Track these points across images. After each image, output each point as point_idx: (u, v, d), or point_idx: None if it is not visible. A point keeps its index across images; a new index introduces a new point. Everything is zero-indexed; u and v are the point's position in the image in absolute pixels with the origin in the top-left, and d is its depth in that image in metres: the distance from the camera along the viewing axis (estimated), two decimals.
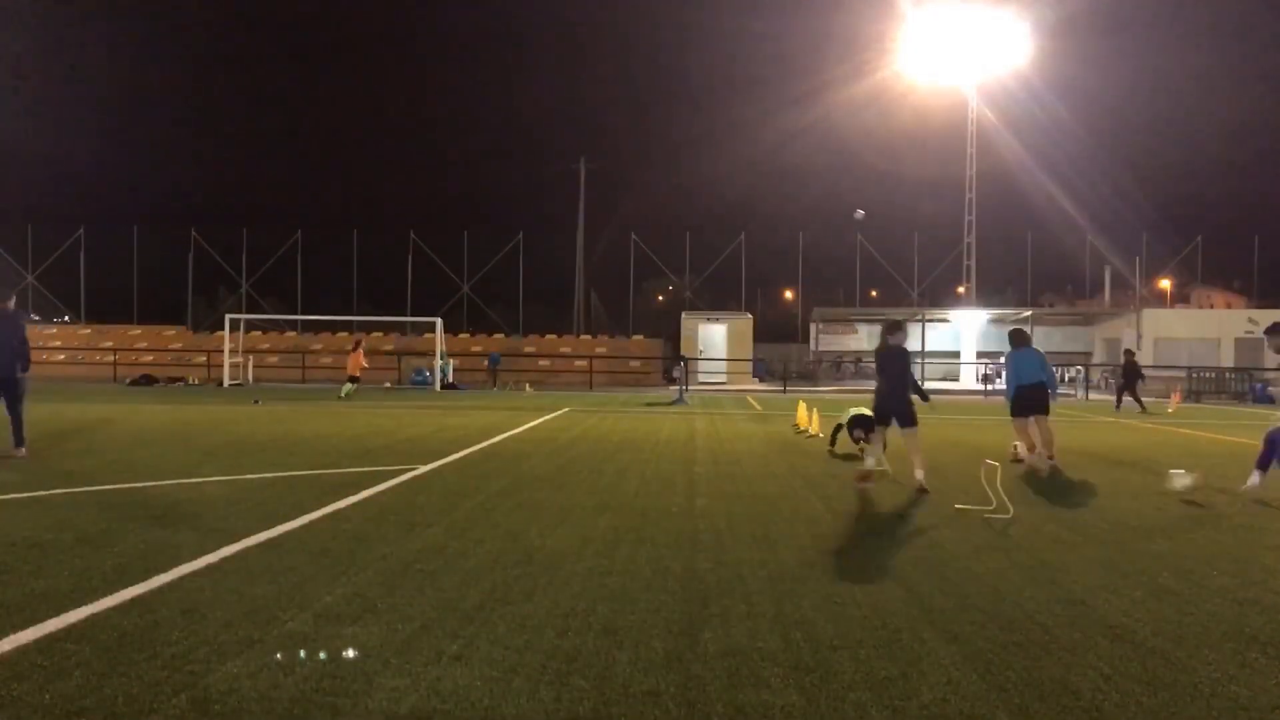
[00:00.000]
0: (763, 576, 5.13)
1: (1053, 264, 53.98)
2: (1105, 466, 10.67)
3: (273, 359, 35.93)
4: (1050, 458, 10.28)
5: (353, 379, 23.14)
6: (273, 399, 22.07)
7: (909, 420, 8.74)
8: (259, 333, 40.11)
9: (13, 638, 3.85)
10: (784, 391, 29.65)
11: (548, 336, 42.21)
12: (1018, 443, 10.91)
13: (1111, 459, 11.49)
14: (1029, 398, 10.54)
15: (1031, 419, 10.49)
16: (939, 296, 48.36)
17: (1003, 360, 9.26)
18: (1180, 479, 8.52)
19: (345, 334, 41.38)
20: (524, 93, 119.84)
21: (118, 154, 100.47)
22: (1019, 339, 10.93)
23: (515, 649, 3.84)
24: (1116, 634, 4.21)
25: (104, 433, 12.83)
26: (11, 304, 10.31)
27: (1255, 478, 8.51)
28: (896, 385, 8.85)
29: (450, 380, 30.54)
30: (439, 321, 32.10)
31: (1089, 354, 40.54)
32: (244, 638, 3.91)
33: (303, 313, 45.12)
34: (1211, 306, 55.36)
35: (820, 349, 42.67)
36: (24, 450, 9.89)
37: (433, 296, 47.01)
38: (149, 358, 36.35)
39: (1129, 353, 24.92)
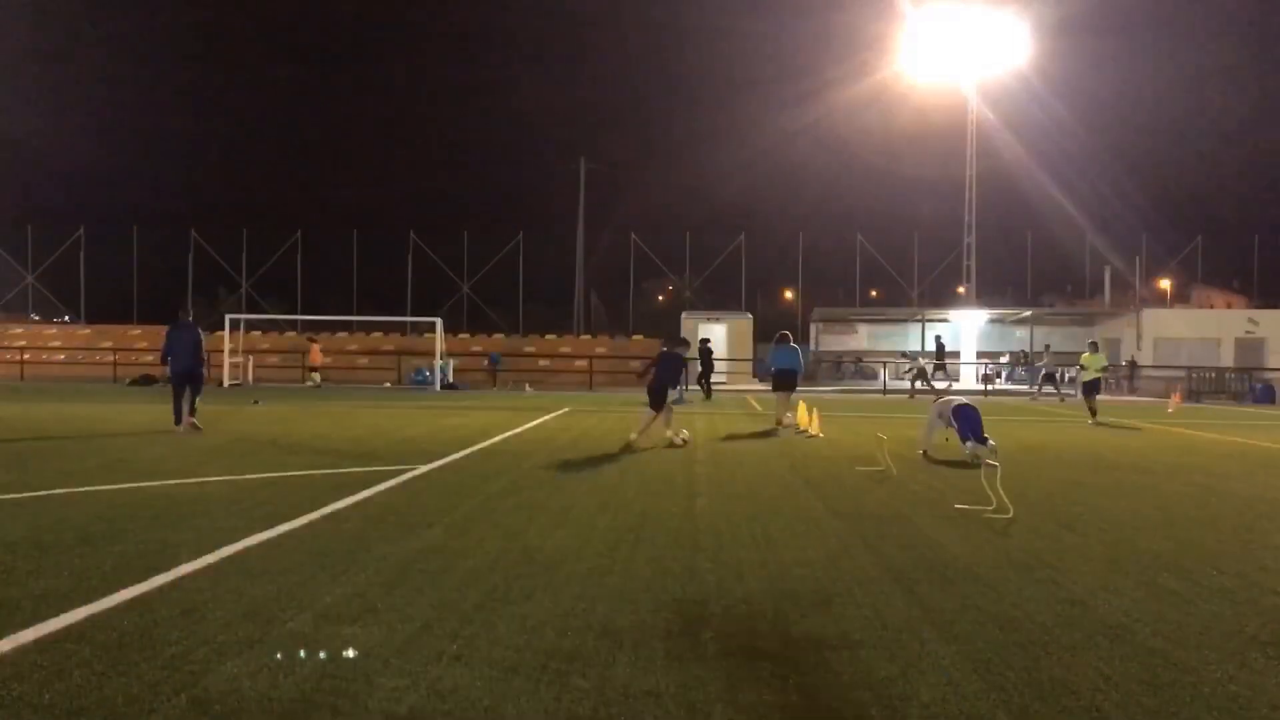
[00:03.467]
0: (763, 576, 5.13)
1: (1053, 264, 54.05)
2: (1105, 467, 10.68)
3: (273, 359, 35.91)
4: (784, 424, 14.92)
5: (313, 368, 28.24)
6: (272, 399, 22.07)
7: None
8: (259, 333, 40.09)
9: (13, 638, 3.85)
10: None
11: (548, 336, 42.20)
12: (788, 414, 15.16)
13: (1111, 459, 11.49)
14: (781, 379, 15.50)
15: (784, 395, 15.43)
16: (939, 296, 48.37)
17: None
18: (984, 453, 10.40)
19: (345, 334, 41.40)
20: (524, 93, 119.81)
21: (118, 154, 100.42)
22: (781, 339, 15.93)
23: (515, 649, 3.84)
24: (1116, 634, 4.21)
25: (104, 432, 12.83)
26: (190, 316, 13.80)
27: (968, 446, 10.60)
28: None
29: (450, 380, 30.56)
30: (439, 321, 32.11)
31: None
32: (244, 638, 3.91)
33: (303, 313, 45.12)
34: (1211, 306, 55.35)
35: (820, 349, 42.65)
36: (182, 428, 12.88)
37: (433, 296, 47.06)
38: (149, 358, 36.22)
39: (704, 341, 27.00)
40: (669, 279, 54.18)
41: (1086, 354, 18.58)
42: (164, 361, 13.31)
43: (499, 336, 42.51)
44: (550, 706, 3.25)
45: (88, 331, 41.80)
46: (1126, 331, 37.73)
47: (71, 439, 11.88)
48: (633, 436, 12.14)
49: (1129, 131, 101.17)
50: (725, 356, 35.45)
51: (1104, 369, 18.90)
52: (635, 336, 42.75)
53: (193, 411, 13.06)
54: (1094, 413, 17.76)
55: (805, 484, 8.81)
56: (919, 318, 39.85)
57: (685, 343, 13.52)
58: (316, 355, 29.68)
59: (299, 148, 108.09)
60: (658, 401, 12.42)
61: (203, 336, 13.50)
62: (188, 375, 13.08)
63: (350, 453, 10.73)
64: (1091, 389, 18.23)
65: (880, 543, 6.12)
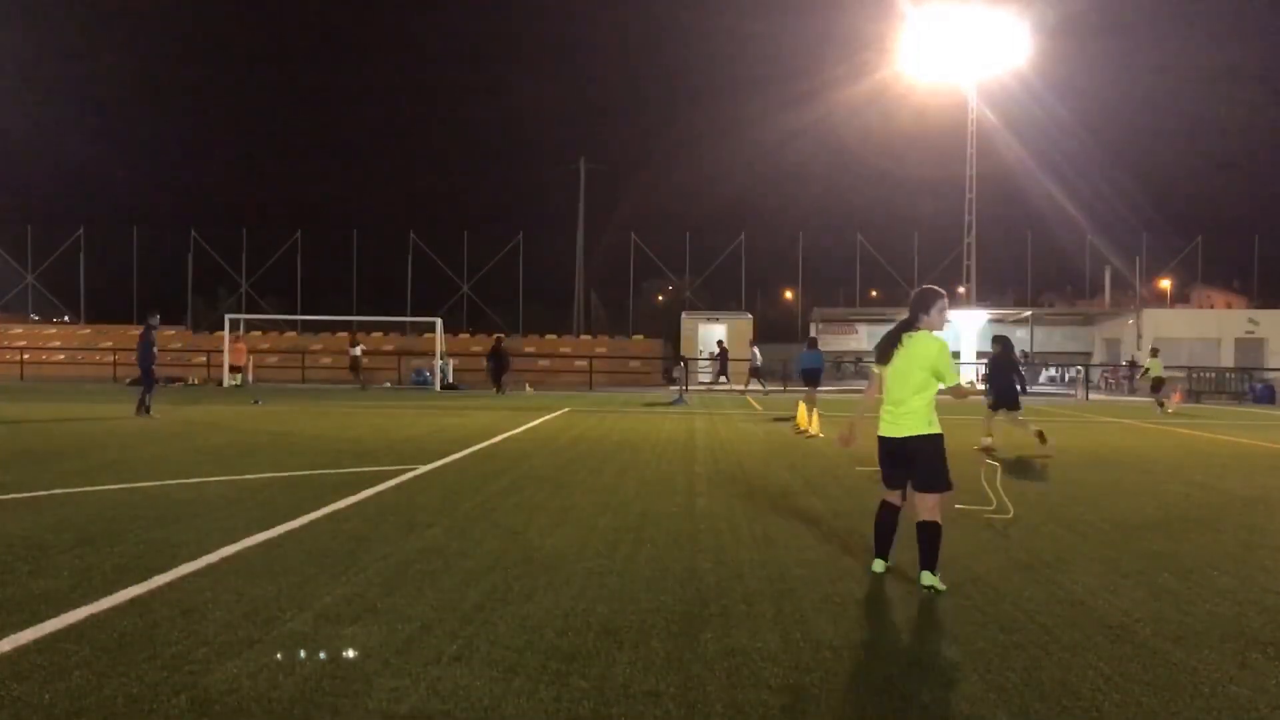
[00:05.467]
0: (763, 576, 5.13)
1: (1053, 264, 54.03)
2: (1105, 467, 10.68)
3: (273, 359, 35.90)
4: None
5: (235, 369, 26.90)
6: (272, 399, 22.07)
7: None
8: (259, 333, 40.08)
9: (13, 638, 3.85)
10: (784, 391, 29.64)
11: (548, 336, 42.18)
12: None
13: (1111, 459, 11.49)
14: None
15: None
16: None
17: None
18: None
19: (345, 334, 41.40)
20: (524, 93, 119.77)
21: (118, 154, 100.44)
22: (811, 344, 18.99)
23: (515, 649, 3.84)
24: (1116, 634, 4.21)
25: (104, 432, 12.83)
26: (156, 320, 16.59)
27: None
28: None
29: (450, 380, 30.55)
30: (439, 321, 32.11)
31: (1089, 354, 40.54)
32: (244, 638, 3.91)
33: (303, 313, 45.10)
34: (1211, 306, 55.32)
35: (820, 349, 42.61)
36: (151, 416, 15.22)
37: (433, 296, 47.01)
38: None
39: (499, 338, 29.76)
40: (669, 279, 54.14)
41: (1149, 359, 22.91)
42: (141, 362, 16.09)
43: (499, 336, 42.46)
44: (550, 706, 3.25)
45: (88, 331, 41.77)
46: (1126, 331, 37.72)
47: (71, 439, 11.87)
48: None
49: (1129, 131, 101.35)
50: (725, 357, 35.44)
51: (1162, 370, 22.90)
52: (635, 336, 42.70)
53: (146, 406, 15.55)
54: (1161, 405, 21.71)
55: (805, 484, 8.81)
56: None
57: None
58: (240, 354, 29.25)
59: (299, 148, 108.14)
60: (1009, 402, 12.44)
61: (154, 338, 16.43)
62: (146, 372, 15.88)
63: (350, 453, 10.73)
64: (1156, 386, 22.20)
65: None
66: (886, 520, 5.25)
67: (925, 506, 4.95)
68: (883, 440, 5.13)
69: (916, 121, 54.01)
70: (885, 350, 5.14)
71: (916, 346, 5.03)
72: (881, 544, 5.28)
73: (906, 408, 5.00)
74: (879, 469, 5.31)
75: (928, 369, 4.97)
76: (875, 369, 5.31)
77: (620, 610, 4.42)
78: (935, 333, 5.13)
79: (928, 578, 4.88)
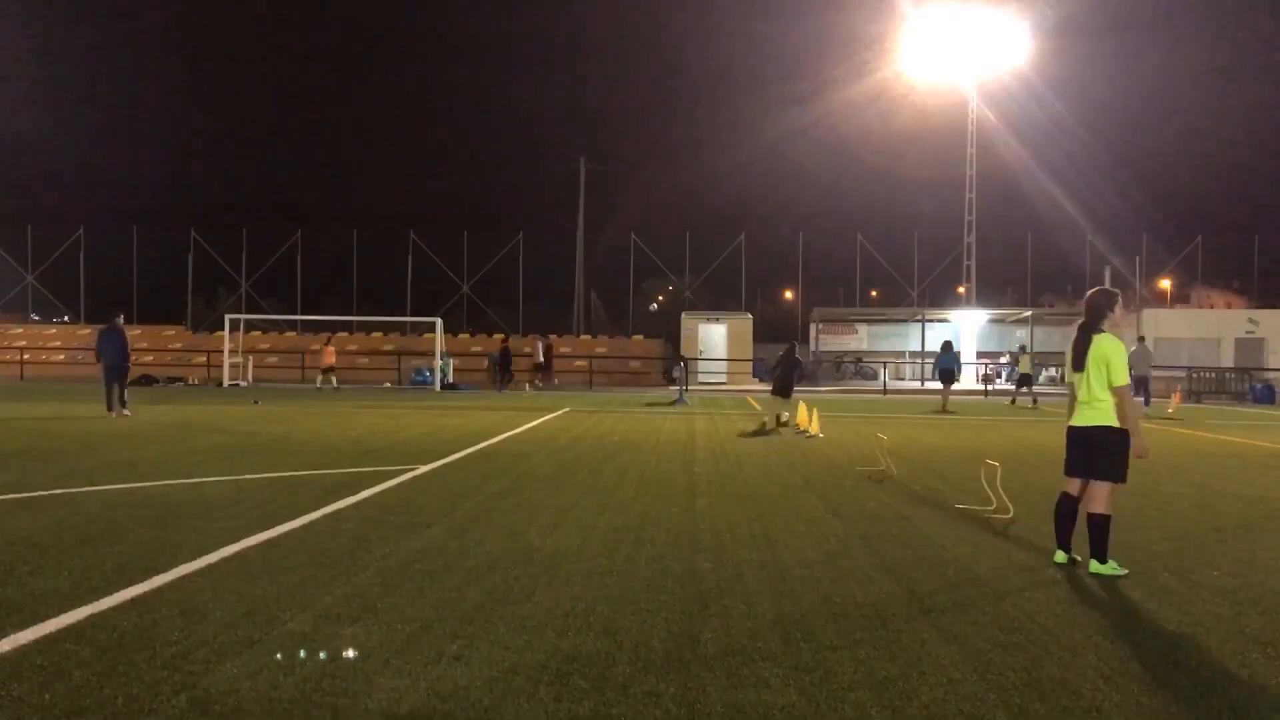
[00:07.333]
0: (763, 576, 5.13)
1: (1053, 264, 54.01)
2: None
3: (272, 359, 35.89)
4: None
5: (327, 370, 27.22)
6: (272, 399, 22.07)
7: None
8: (259, 333, 40.08)
9: (13, 638, 3.85)
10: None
11: (548, 336, 42.16)
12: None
13: None
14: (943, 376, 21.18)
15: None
16: (939, 296, 48.30)
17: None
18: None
19: (345, 334, 41.40)
20: (524, 93, 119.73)
21: (118, 154, 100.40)
22: (945, 347, 21.57)
23: (515, 649, 3.84)
24: (1117, 634, 4.21)
25: (104, 432, 12.83)
26: (120, 319, 16.97)
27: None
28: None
29: (450, 380, 30.56)
30: (439, 321, 32.11)
31: None
32: (244, 638, 3.91)
33: (302, 313, 45.06)
34: (1211, 306, 55.31)
35: (820, 349, 42.61)
36: (128, 411, 15.69)
37: (433, 296, 46.97)
38: (149, 358, 36.25)
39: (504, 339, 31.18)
40: (669, 279, 54.13)
41: (1021, 355, 25.40)
42: (97, 359, 16.44)
43: (499, 336, 42.46)
44: (550, 706, 3.25)
45: (87, 331, 41.73)
46: (1126, 331, 37.71)
47: (71, 439, 11.87)
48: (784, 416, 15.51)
49: (1129, 131, 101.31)
50: (725, 356, 35.48)
51: (1029, 367, 24.97)
52: (635, 336, 42.68)
53: (123, 401, 15.90)
54: (1013, 401, 23.99)
55: (805, 484, 8.81)
56: (919, 318, 39.82)
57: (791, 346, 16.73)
58: (330, 355, 29.14)
59: (299, 148, 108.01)
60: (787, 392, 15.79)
61: (127, 336, 16.90)
62: (117, 370, 16.07)
63: (350, 453, 10.72)
64: (1022, 381, 24.05)
65: (880, 543, 6.12)
66: (1064, 510, 5.67)
67: (1098, 497, 5.41)
68: (1070, 429, 5.64)
69: (916, 121, 53.99)
70: (1079, 356, 5.54)
71: (1100, 346, 5.48)
72: (1061, 535, 5.65)
73: (1096, 403, 5.43)
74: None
75: (1105, 365, 5.40)
76: (1068, 375, 5.73)
77: (620, 610, 4.42)
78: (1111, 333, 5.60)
79: (1095, 565, 5.29)
